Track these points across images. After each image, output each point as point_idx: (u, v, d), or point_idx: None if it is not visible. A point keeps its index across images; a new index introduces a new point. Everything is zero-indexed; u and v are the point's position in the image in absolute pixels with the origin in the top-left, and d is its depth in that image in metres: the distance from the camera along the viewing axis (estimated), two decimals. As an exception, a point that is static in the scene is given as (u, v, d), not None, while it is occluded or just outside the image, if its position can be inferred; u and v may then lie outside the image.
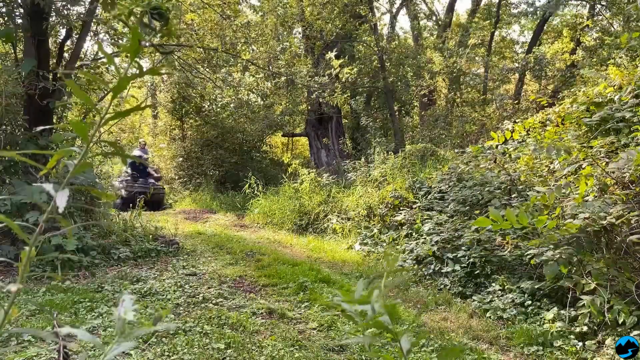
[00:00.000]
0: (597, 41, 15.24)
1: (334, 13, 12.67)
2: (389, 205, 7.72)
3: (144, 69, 0.82)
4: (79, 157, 0.79)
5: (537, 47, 16.08)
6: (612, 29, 15.15)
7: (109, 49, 7.23)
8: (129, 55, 0.80)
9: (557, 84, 15.19)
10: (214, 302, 4.23)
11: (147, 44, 0.86)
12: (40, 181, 5.38)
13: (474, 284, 5.00)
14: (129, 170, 14.92)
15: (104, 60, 7.41)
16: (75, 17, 6.20)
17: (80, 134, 0.76)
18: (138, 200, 11.12)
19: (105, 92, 7.32)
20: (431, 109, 16.53)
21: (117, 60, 7.19)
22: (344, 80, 10.00)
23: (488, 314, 4.28)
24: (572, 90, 9.01)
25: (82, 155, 0.76)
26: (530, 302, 4.25)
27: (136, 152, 14.64)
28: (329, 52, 9.98)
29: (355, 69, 10.12)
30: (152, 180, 13.70)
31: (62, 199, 0.72)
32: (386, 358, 0.93)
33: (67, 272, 4.98)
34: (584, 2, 16.84)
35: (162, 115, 18.98)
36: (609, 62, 6.02)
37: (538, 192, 4.00)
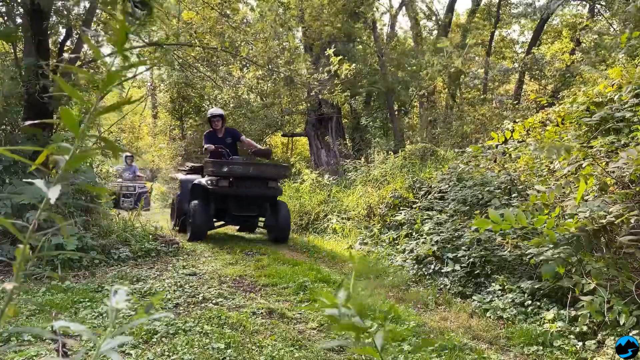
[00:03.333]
0: (595, 41, 15.24)
1: (331, 13, 12.66)
2: (389, 205, 7.72)
3: (137, 65, 0.82)
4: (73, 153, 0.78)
5: (536, 48, 16.07)
6: (612, 28, 15.14)
7: (108, 49, 7.22)
8: (113, 43, 0.79)
9: (557, 84, 15.19)
10: (214, 301, 4.23)
11: (141, 43, 0.86)
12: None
13: (474, 284, 5.00)
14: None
15: (104, 59, 7.41)
16: (75, 17, 6.20)
17: (69, 126, 0.76)
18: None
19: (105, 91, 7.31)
20: (430, 109, 16.54)
21: (116, 59, 7.17)
22: (343, 76, 10.00)
23: (488, 314, 4.28)
24: (571, 90, 9.01)
25: (74, 149, 0.76)
26: (530, 302, 4.25)
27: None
28: (328, 49, 9.98)
29: (353, 65, 10.11)
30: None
31: (53, 193, 0.72)
32: (370, 352, 0.92)
33: (67, 271, 4.98)
34: (584, 2, 16.84)
35: (162, 115, 19.00)
36: (608, 63, 6.02)
37: (538, 191, 4.00)
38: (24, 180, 5.45)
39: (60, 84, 0.79)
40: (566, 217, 4.07)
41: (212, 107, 16.48)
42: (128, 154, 14.35)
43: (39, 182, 0.77)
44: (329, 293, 0.82)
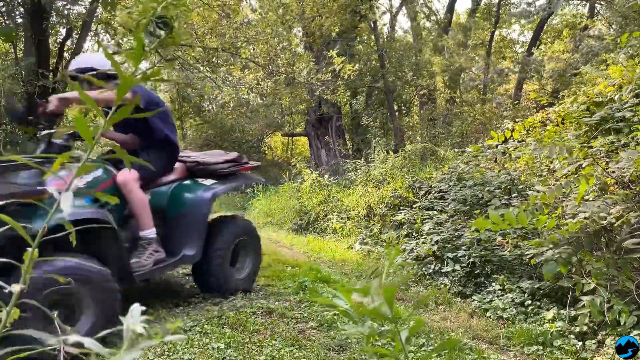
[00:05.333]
0: (596, 41, 15.23)
1: (333, 9, 12.67)
2: (389, 205, 7.72)
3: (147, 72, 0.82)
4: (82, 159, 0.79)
5: (536, 47, 16.08)
6: (612, 28, 15.15)
7: (108, 49, 7.23)
8: (131, 59, 0.80)
9: (555, 84, 15.19)
10: (214, 301, 4.23)
11: (152, 51, 0.86)
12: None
13: (474, 284, 5.00)
14: None
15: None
16: (75, 17, 6.20)
17: (85, 136, 0.76)
18: None
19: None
20: (430, 108, 16.55)
21: (117, 58, 7.17)
22: (346, 77, 10.00)
23: (488, 314, 4.28)
24: (571, 89, 9.01)
25: (86, 157, 0.76)
26: (530, 301, 4.26)
27: None
28: (330, 50, 9.99)
29: (356, 66, 10.13)
30: None
31: (66, 203, 0.72)
32: (382, 351, 0.93)
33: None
34: (584, 2, 16.85)
35: (162, 115, 18.97)
36: (608, 63, 6.02)
37: (538, 191, 4.00)
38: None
39: (79, 94, 0.79)
40: (566, 217, 4.08)
41: (211, 107, 16.39)
42: None
43: (50, 189, 0.77)
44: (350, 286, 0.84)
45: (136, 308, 0.74)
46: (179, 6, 0.82)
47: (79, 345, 0.69)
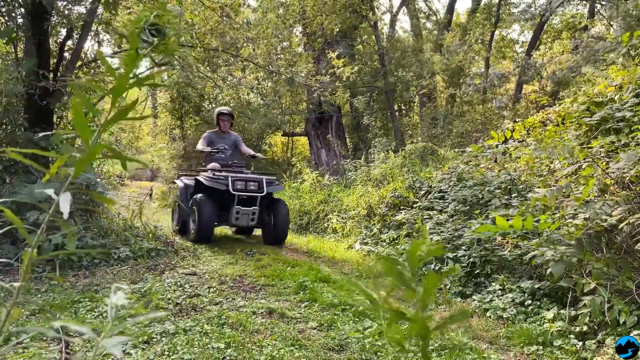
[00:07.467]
0: (595, 40, 15.22)
1: (335, 9, 12.67)
2: (389, 205, 7.72)
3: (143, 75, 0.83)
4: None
5: (536, 48, 16.08)
6: (612, 29, 15.14)
7: (108, 49, 7.23)
8: (126, 64, 0.81)
9: (555, 86, 15.18)
10: (214, 301, 4.23)
11: (145, 55, 0.87)
12: (40, 181, 5.38)
13: (474, 284, 5.01)
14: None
15: (115, 73, 7.41)
16: (76, 17, 6.20)
17: (84, 139, 0.76)
18: None
19: (105, 92, 7.31)
20: (431, 108, 16.54)
21: (117, 60, 7.17)
22: (345, 79, 10.00)
23: (488, 314, 4.28)
24: (572, 89, 9.01)
25: (82, 157, 0.77)
26: (530, 301, 4.26)
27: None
28: (330, 52, 10.00)
29: (355, 68, 10.14)
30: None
31: (65, 204, 0.72)
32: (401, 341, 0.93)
33: (67, 271, 4.99)
34: (584, 2, 16.85)
35: (162, 115, 18.98)
36: (610, 63, 6.02)
37: (538, 192, 4.00)
38: (23, 180, 5.46)
39: (78, 99, 0.79)
40: (566, 217, 4.07)
41: (211, 106, 16.33)
42: (225, 109, 7.82)
43: (49, 191, 0.78)
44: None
45: (121, 287, 0.75)
46: (166, 16, 0.84)
47: (65, 330, 0.70)
